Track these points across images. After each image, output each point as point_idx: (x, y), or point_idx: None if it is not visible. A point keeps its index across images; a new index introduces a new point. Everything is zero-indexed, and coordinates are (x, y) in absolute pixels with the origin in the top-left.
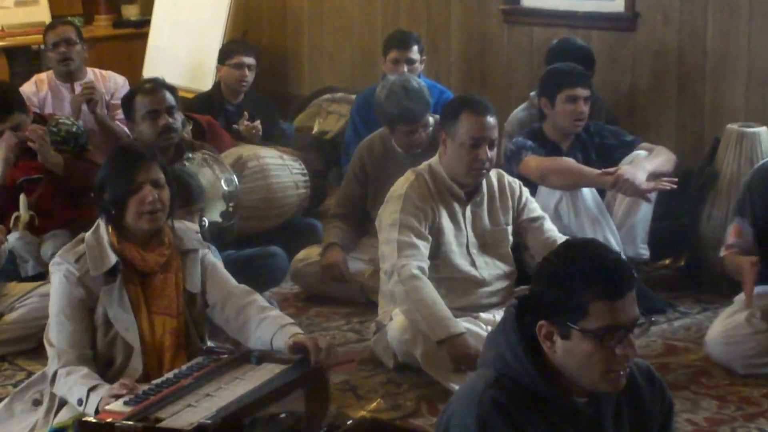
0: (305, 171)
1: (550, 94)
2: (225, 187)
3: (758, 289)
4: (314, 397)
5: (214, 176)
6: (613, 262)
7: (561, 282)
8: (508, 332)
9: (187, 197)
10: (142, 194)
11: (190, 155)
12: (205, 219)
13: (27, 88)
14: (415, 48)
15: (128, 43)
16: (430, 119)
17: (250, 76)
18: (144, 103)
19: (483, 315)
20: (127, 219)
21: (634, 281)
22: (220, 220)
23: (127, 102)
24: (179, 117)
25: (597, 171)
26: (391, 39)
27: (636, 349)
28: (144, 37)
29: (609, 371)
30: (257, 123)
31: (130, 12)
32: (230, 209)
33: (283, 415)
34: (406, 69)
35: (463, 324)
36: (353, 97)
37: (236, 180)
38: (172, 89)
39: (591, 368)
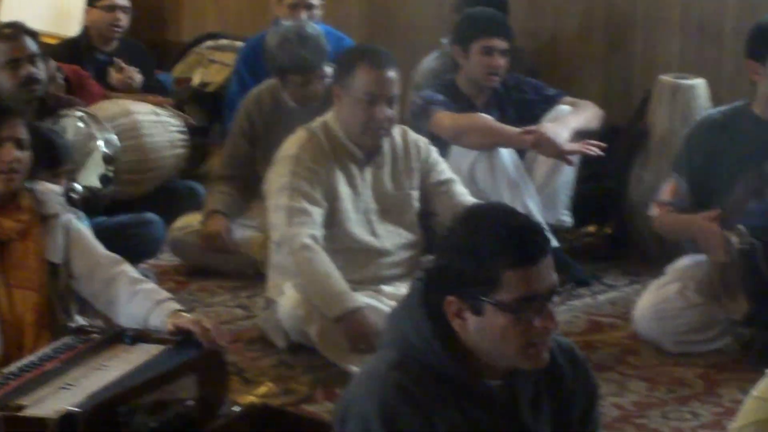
0: (184, 128)
1: (465, 42)
2: (104, 149)
3: (690, 258)
4: (209, 383)
5: (90, 136)
6: (522, 226)
7: (468, 252)
8: (412, 309)
9: (52, 158)
10: (1, 152)
11: (65, 112)
12: (75, 184)
13: None
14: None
15: None
16: (328, 70)
17: (123, 19)
18: (2, 51)
19: (385, 288)
20: None
21: (548, 245)
22: (98, 185)
23: None
24: (43, 66)
25: (516, 129)
26: None
27: (556, 321)
28: None
29: (528, 345)
30: (133, 71)
31: None
32: (109, 173)
33: (174, 403)
34: (305, 15)
35: (363, 299)
36: (239, 45)
37: (117, 141)
38: (34, 34)
39: (508, 344)
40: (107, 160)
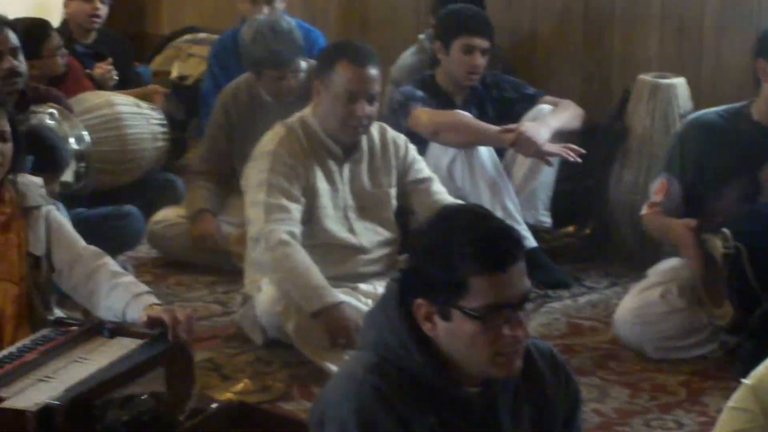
0: (164, 121)
1: (446, 39)
2: (76, 146)
3: (672, 261)
4: (176, 377)
5: (63, 133)
6: (493, 231)
7: (436, 255)
8: (389, 311)
9: (54, 162)
10: None
11: (36, 109)
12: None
13: None
14: None
15: None
16: (303, 64)
17: (103, 10)
18: None
19: (362, 286)
20: None
21: (520, 251)
22: (70, 180)
23: None
24: (23, 59)
25: (496, 128)
26: None
27: (527, 330)
28: None
29: (498, 354)
30: (111, 67)
31: None
32: (81, 170)
33: (144, 397)
34: (266, 10)
35: (340, 296)
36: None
37: (88, 137)
38: (15, 27)
39: (477, 352)
40: (78, 157)
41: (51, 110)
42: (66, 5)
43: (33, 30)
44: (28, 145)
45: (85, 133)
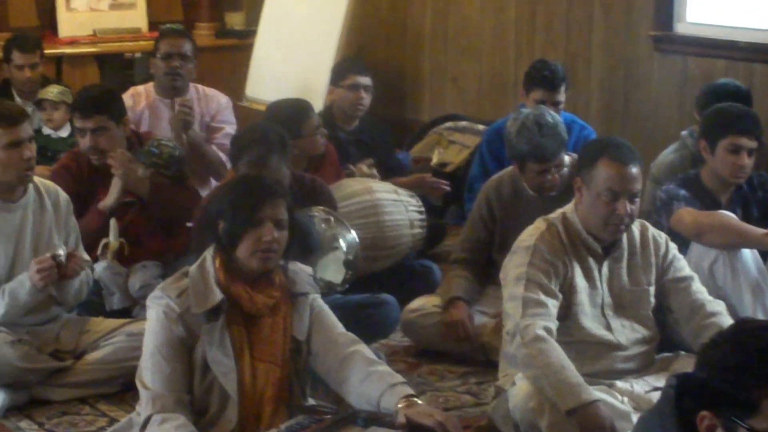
0: (422, 208)
1: (712, 138)
2: (347, 255)
3: None
4: None
5: (333, 238)
6: None
7: (730, 372)
8: (665, 418)
9: (304, 246)
10: (261, 231)
11: (313, 213)
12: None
13: (123, 99)
14: (563, 88)
15: (231, 54)
16: (566, 158)
17: (366, 98)
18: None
19: (619, 384)
20: (238, 253)
21: None
22: (337, 282)
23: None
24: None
25: (761, 231)
26: (537, 76)
27: None
28: (248, 49)
29: None
30: (373, 168)
31: (235, 21)
32: (348, 277)
33: None
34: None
35: (596, 393)
36: (479, 127)
37: (357, 240)
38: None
39: None
40: (348, 265)
41: (328, 217)
42: (330, 92)
43: (295, 110)
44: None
45: (354, 237)
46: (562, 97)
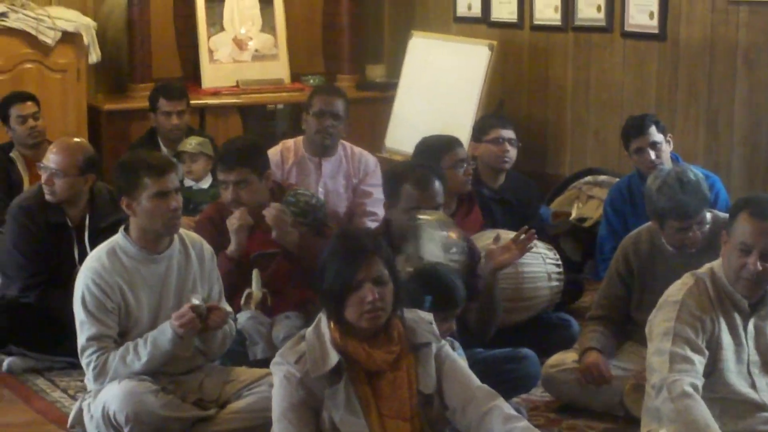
0: (559, 261)
1: None
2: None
3: None
4: None
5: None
6: None
7: None
8: None
9: (451, 302)
10: (361, 293)
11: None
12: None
13: (272, 155)
14: (653, 129)
15: (371, 106)
16: (708, 215)
17: (511, 151)
18: (413, 197)
19: None
20: (347, 316)
21: None
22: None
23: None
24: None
25: None
26: (625, 129)
27: None
28: (389, 101)
29: None
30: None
31: (376, 73)
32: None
33: None
34: (653, 155)
35: None
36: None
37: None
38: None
39: None
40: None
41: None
42: (474, 148)
43: (440, 142)
44: (427, 285)
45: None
46: (656, 137)
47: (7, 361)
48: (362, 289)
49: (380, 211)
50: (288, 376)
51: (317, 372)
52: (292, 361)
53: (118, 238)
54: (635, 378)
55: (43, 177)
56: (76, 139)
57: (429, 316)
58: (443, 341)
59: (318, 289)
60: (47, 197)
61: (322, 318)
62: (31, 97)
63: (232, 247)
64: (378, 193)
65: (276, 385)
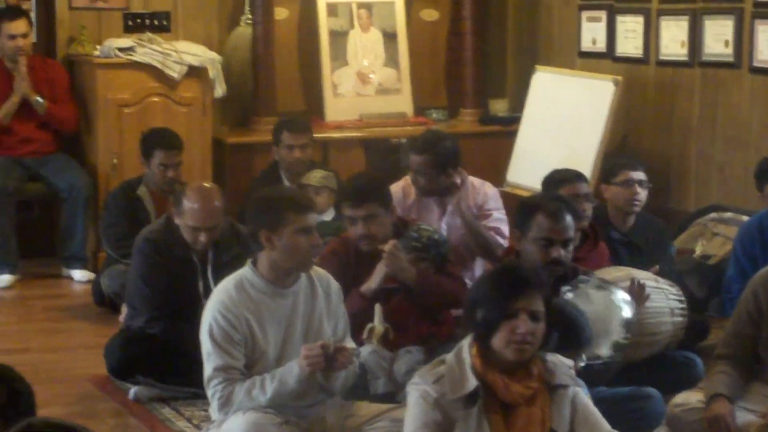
0: (682, 297)
1: None
2: (626, 314)
3: None
4: None
5: (609, 301)
6: None
7: None
8: None
9: (578, 341)
10: (515, 322)
11: (583, 278)
12: (583, 356)
13: (394, 191)
14: None
15: (494, 141)
16: None
17: (642, 194)
18: (544, 227)
19: None
20: (494, 343)
21: None
22: (608, 354)
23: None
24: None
25: None
26: (764, 169)
27: None
28: (511, 135)
29: None
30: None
31: (498, 107)
32: (624, 341)
33: None
34: None
35: None
36: (744, 218)
37: (633, 304)
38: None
39: None
40: (627, 326)
41: (598, 279)
42: (604, 190)
43: (561, 174)
44: (554, 322)
45: (629, 298)
46: None
47: (134, 390)
48: (517, 319)
49: (502, 227)
50: (424, 396)
51: (455, 394)
52: (430, 381)
53: (245, 271)
54: (764, 417)
55: (204, 236)
56: (207, 185)
57: (570, 362)
58: (579, 387)
59: (467, 312)
60: (198, 248)
61: (464, 344)
62: (178, 145)
63: (371, 285)
64: (498, 214)
65: (410, 404)
